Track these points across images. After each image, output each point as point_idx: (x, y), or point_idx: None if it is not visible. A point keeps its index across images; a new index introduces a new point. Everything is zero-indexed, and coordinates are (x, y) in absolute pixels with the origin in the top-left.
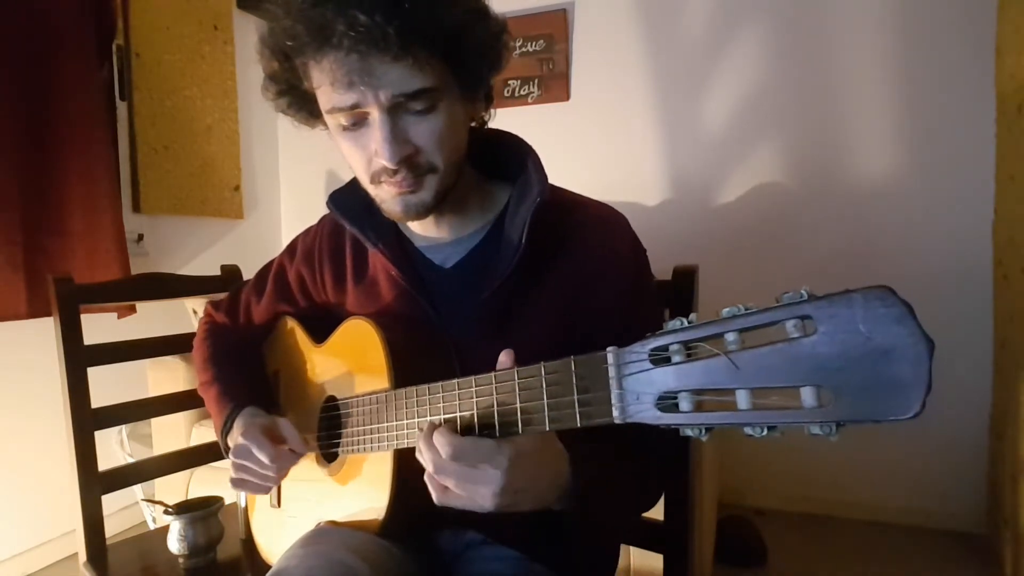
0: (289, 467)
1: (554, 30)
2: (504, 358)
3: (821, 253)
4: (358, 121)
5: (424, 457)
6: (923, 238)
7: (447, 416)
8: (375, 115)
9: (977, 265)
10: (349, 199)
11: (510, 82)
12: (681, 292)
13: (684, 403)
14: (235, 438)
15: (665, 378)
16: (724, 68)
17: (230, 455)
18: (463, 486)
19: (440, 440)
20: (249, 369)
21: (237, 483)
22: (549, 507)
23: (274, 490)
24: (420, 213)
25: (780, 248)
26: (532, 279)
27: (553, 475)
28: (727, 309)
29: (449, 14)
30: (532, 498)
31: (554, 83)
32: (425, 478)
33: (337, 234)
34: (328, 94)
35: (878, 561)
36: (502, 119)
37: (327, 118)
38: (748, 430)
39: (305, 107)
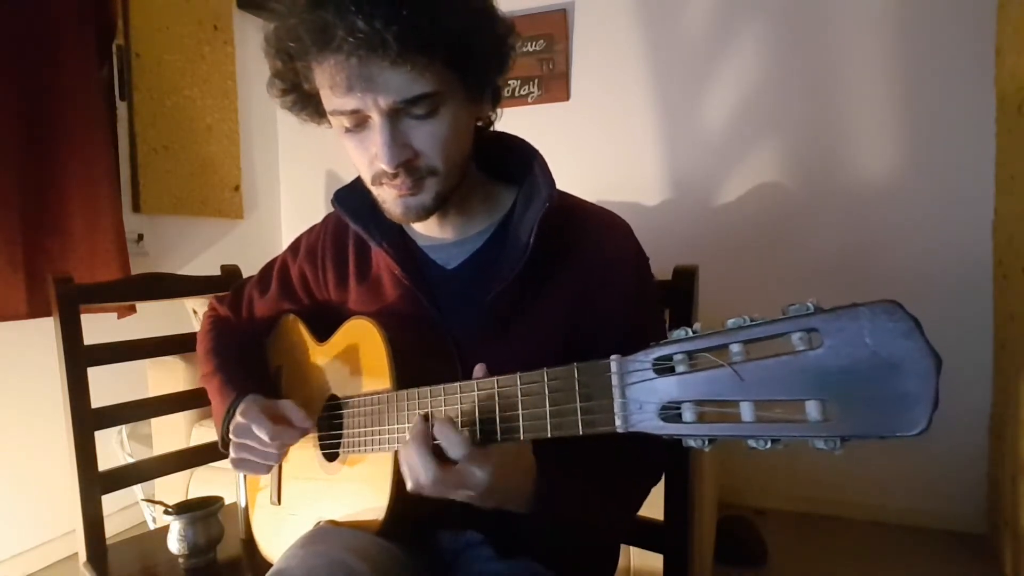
0: (289, 445)
1: (554, 30)
2: (478, 371)
3: (821, 253)
4: (360, 123)
5: (420, 457)
6: (923, 238)
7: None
8: (375, 119)
9: (977, 265)
10: (354, 197)
11: (510, 82)
12: (681, 292)
13: (687, 413)
14: (236, 419)
15: (668, 388)
16: (724, 68)
17: (231, 434)
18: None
19: (450, 435)
20: (251, 362)
21: (237, 463)
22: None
23: (274, 488)
24: (420, 215)
25: (780, 248)
26: (536, 282)
27: (518, 489)
28: (732, 320)
29: (451, 19)
30: (497, 503)
31: (554, 83)
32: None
33: (341, 232)
34: (329, 97)
35: (878, 561)
36: (502, 119)
37: (330, 118)
38: (751, 443)
39: (310, 106)
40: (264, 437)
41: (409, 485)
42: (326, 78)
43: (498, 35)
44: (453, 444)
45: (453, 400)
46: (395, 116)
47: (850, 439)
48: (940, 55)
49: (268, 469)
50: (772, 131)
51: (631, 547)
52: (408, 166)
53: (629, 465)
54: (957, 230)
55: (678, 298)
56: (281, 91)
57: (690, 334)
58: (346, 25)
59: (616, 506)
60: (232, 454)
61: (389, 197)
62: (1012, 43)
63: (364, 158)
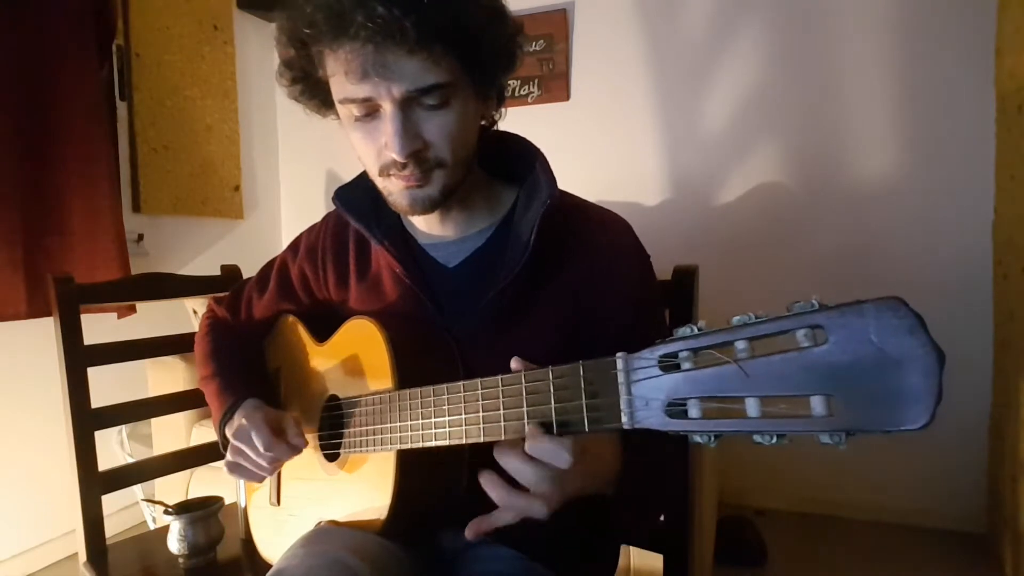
0: (285, 460)
1: (554, 30)
2: (515, 365)
3: (821, 253)
4: (370, 112)
5: (529, 470)
6: (923, 238)
7: (452, 418)
8: (387, 108)
9: (977, 265)
10: (355, 195)
11: (510, 82)
12: (681, 292)
13: (693, 410)
14: (239, 421)
15: (674, 384)
16: (724, 68)
17: (231, 437)
18: (552, 486)
19: (558, 447)
20: (250, 365)
21: (232, 467)
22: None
23: (274, 488)
24: (427, 208)
25: (780, 248)
26: (537, 280)
27: (607, 465)
28: (737, 317)
29: (467, 12)
30: (581, 488)
31: (554, 83)
32: (505, 496)
33: (341, 231)
34: (342, 84)
35: (878, 561)
36: (503, 119)
37: (339, 108)
38: (757, 438)
39: (318, 95)
40: (260, 447)
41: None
42: (340, 65)
43: (508, 33)
44: (557, 455)
45: (457, 400)
46: (407, 106)
47: (855, 433)
48: (940, 55)
49: (261, 479)
50: (772, 131)
51: (631, 547)
52: (418, 157)
53: (666, 466)
54: (957, 230)
55: (678, 298)
56: (291, 80)
57: (695, 331)
58: (365, 11)
59: (664, 503)
60: (228, 457)
61: (396, 189)
62: (1012, 43)
63: (372, 149)
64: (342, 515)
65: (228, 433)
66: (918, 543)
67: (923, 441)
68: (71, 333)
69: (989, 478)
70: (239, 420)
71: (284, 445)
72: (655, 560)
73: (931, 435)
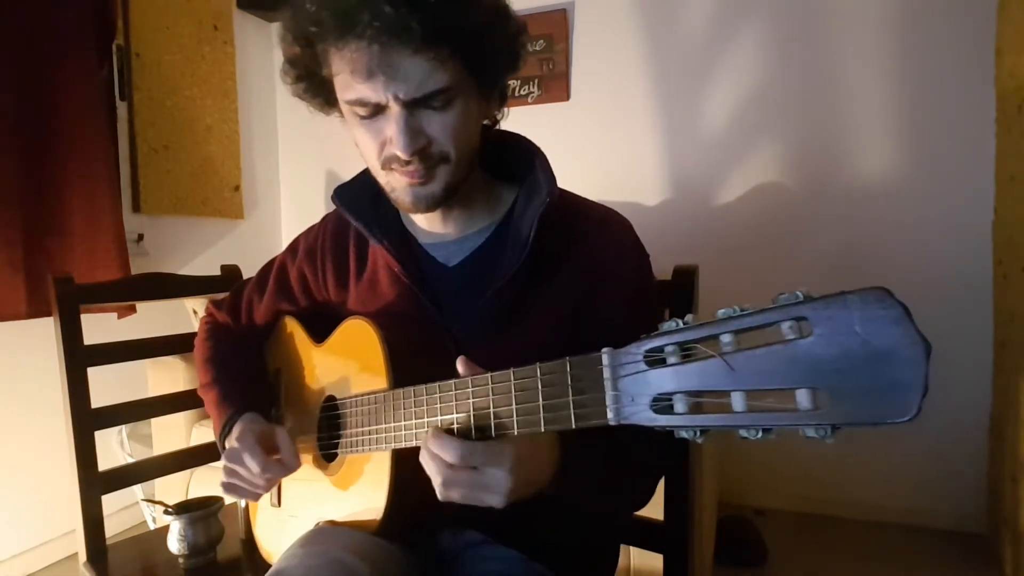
0: (280, 477)
1: (554, 30)
2: (460, 367)
3: (821, 253)
4: (375, 112)
5: (431, 466)
6: (923, 238)
7: (444, 418)
8: (392, 108)
9: (977, 265)
10: (355, 194)
11: (510, 82)
12: (681, 292)
13: (679, 405)
14: (231, 442)
15: (660, 379)
16: (724, 68)
17: (224, 459)
18: (472, 491)
19: (445, 444)
20: (250, 370)
21: (227, 487)
22: (542, 492)
23: (274, 489)
24: (429, 205)
25: (780, 248)
26: (536, 279)
27: (548, 463)
28: (722, 310)
29: (472, 12)
30: (532, 489)
31: (554, 83)
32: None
33: (340, 232)
34: (347, 83)
35: (878, 561)
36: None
37: (343, 106)
38: (743, 432)
39: (322, 94)
40: (255, 468)
41: (439, 493)
42: (346, 64)
43: (512, 33)
44: (447, 450)
45: (448, 399)
46: (412, 106)
47: (841, 427)
48: (940, 55)
49: (256, 497)
50: (772, 131)
51: (631, 547)
52: (422, 153)
53: (633, 462)
54: (957, 230)
55: (678, 298)
56: (295, 78)
57: (680, 325)
58: (371, 10)
59: (623, 500)
60: (223, 478)
61: (399, 185)
62: (1012, 43)
63: (375, 143)
64: (341, 515)
65: (227, 446)
66: (918, 543)
67: (923, 441)
68: (71, 333)
69: (989, 478)
70: (233, 439)
71: (278, 465)
72: (655, 560)
73: (931, 435)
